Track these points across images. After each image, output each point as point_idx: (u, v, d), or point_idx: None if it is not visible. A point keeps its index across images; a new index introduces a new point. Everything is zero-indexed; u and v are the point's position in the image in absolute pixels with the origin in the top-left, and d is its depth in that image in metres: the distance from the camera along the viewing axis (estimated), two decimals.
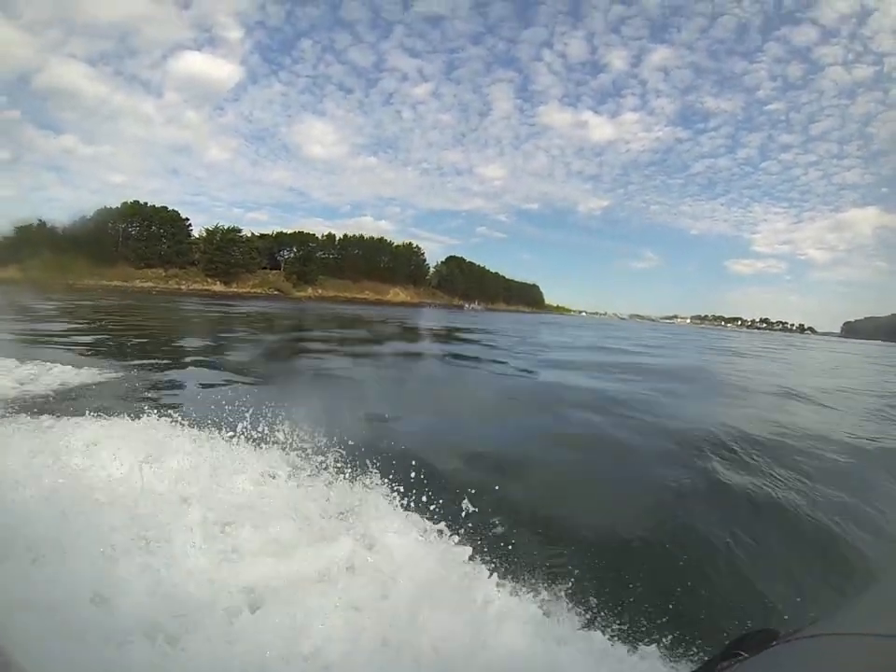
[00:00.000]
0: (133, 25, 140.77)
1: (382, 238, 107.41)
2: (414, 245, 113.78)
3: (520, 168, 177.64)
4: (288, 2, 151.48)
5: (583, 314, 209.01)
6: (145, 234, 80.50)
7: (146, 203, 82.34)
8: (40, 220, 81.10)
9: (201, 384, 8.48)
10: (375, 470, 4.02)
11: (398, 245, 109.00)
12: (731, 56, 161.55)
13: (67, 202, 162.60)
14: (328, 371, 11.39)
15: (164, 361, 10.61)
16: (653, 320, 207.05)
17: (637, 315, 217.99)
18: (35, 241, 77.75)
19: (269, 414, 4.82)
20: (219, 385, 8.47)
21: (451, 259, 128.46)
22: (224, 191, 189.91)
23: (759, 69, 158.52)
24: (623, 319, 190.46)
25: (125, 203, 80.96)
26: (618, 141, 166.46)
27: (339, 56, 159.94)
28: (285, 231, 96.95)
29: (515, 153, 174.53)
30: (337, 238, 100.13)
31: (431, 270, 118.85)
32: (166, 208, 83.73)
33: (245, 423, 4.61)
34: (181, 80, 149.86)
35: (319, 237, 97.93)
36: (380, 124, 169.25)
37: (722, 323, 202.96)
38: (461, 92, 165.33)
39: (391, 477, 3.91)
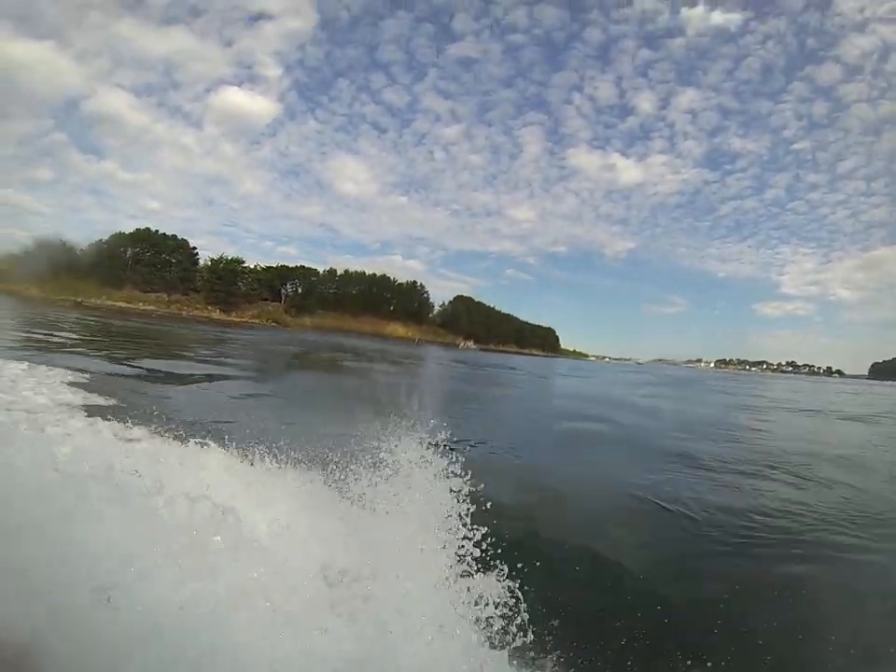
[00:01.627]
0: (178, 60, 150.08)
1: (384, 275, 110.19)
2: (418, 284, 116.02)
3: (549, 211, 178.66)
4: (327, 43, 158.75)
5: (607, 359, 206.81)
6: (152, 260, 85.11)
7: (156, 231, 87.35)
8: (61, 240, 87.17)
9: None
10: None
11: (400, 283, 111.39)
12: (757, 97, 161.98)
13: (103, 224, 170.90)
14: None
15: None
16: (676, 364, 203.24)
17: (662, 360, 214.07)
18: (54, 259, 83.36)
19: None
20: None
21: (458, 298, 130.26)
22: (256, 223, 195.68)
23: (784, 109, 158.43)
24: (641, 364, 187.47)
25: (137, 230, 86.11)
26: (646, 184, 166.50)
27: (374, 96, 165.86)
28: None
29: (545, 195, 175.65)
30: (338, 273, 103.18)
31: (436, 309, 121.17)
32: (175, 237, 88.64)
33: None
34: (221, 114, 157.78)
35: (321, 272, 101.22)
36: (412, 164, 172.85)
37: (747, 367, 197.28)
38: (492, 134, 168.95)
39: None
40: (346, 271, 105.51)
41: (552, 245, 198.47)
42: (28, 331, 20.87)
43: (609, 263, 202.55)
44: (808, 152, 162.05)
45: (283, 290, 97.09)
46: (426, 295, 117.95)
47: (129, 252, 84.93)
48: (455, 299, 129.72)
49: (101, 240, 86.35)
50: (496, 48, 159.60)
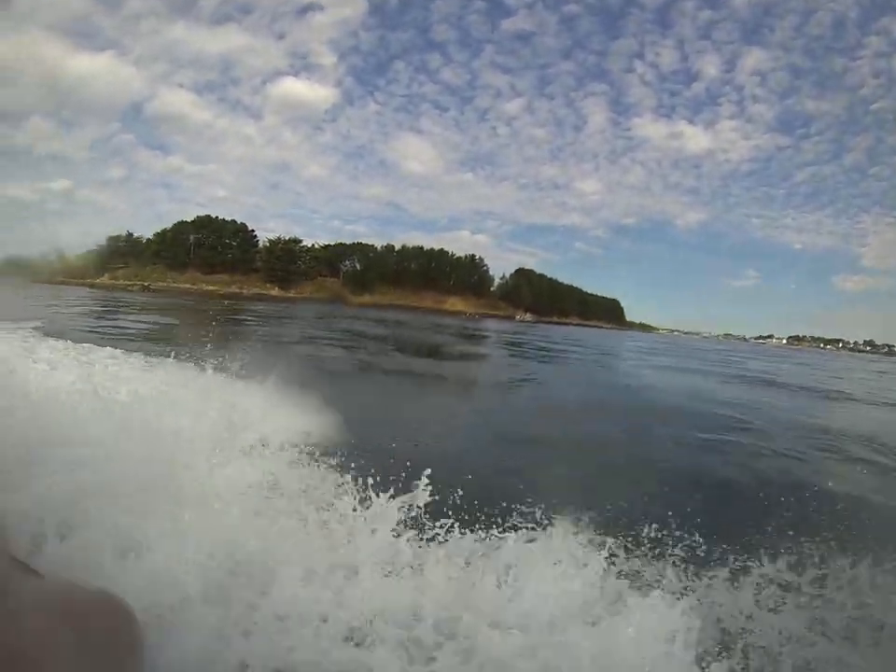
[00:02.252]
0: (234, 56, 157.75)
1: (442, 250, 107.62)
2: (477, 258, 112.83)
3: (616, 182, 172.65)
4: (379, 28, 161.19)
5: (676, 332, 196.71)
6: (213, 244, 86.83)
7: (216, 217, 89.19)
8: (129, 232, 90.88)
9: None
10: None
11: (459, 258, 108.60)
12: (829, 54, 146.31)
13: (175, 214, 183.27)
14: None
15: None
16: (746, 340, 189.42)
17: (730, 335, 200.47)
18: (122, 250, 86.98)
19: None
20: None
21: (519, 271, 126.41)
22: (323, 205, 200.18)
23: (861, 66, 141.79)
24: (706, 338, 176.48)
25: (198, 217, 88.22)
26: (715, 151, 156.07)
27: (432, 76, 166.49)
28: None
29: (612, 167, 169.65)
30: (397, 248, 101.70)
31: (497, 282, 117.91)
32: (235, 221, 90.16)
33: None
34: (280, 104, 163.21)
35: (379, 248, 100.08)
36: (475, 140, 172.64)
37: (821, 345, 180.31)
38: (555, 107, 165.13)
39: None
40: (404, 246, 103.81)
41: (621, 217, 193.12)
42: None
43: (680, 235, 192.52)
44: (889, 111, 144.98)
45: (341, 267, 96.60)
46: (485, 268, 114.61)
47: (191, 238, 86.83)
48: (516, 272, 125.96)
49: (165, 229, 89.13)
50: (551, 19, 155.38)
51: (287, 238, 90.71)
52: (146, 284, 79.79)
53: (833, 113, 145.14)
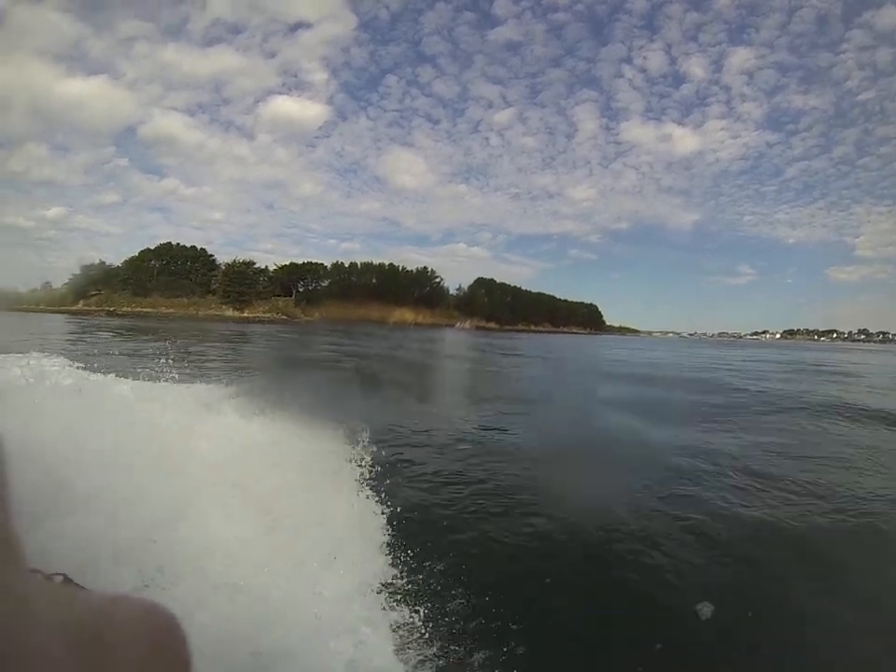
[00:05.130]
0: (224, 77, 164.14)
1: (392, 264, 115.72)
2: (429, 270, 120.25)
3: (609, 187, 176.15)
4: (370, 43, 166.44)
5: (671, 334, 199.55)
6: (174, 269, 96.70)
7: (177, 244, 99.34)
8: (101, 261, 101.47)
9: None
10: None
11: (408, 271, 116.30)
12: (814, 49, 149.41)
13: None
14: None
15: None
16: (741, 337, 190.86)
17: (725, 333, 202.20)
18: (94, 278, 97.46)
19: None
20: None
21: (478, 280, 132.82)
22: (317, 223, 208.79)
23: (846, 59, 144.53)
24: (689, 336, 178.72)
25: (160, 245, 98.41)
26: (705, 151, 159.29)
27: (423, 89, 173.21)
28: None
29: (604, 172, 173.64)
30: (346, 265, 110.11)
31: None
32: (195, 247, 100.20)
33: None
34: (272, 122, 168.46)
35: (328, 266, 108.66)
36: (468, 152, 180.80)
37: (815, 337, 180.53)
38: (546, 115, 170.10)
39: None
40: (353, 263, 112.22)
41: (614, 221, 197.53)
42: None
43: (673, 236, 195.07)
44: (875, 102, 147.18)
45: (294, 286, 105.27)
46: (437, 280, 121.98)
47: (154, 264, 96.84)
48: (474, 281, 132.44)
49: (133, 257, 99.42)
50: (539, 28, 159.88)
51: (241, 261, 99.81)
52: (111, 309, 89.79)
53: (820, 107, 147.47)
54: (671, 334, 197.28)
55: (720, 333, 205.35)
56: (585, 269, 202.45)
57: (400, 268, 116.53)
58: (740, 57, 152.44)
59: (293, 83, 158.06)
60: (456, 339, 51.38)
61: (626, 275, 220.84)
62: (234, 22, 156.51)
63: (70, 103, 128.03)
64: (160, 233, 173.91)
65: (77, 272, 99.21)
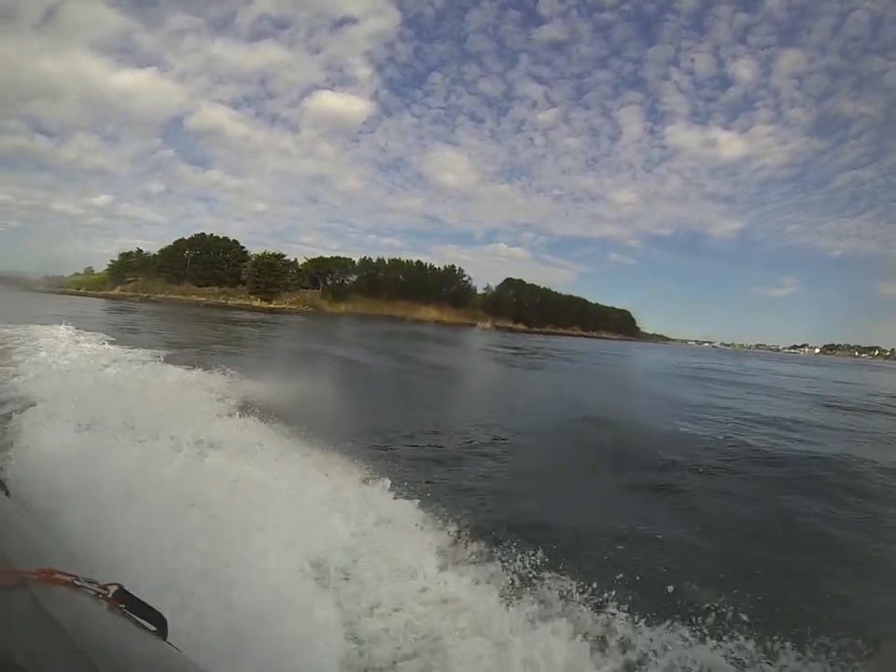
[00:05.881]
0: (270, 71, 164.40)
1: (419, 262, 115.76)
2: (457, 269, 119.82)
3: (652, 192, 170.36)
4: (416, 39, 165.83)
5: (706, 344, 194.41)
6: (206, 259, 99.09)
7: (211, 235, 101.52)
8: (138, 249, 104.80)
9: None
10: None
11: (436, 269, 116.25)
12: (867, 54, 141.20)
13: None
14: None
15: None
16: (778, 350, 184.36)
17: (762, 345, 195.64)
18: (133, 266, 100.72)
19: None
20: None
21: (507, 280, 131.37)
22: (359, 218, 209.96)
23: None
24: (725, 347, 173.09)
25: (194, 235, 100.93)
26: (751, 157, 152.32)
27: (468, 87, 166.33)
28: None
29: (648, 176, 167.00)
30: (374, 261, 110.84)
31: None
32: (227, 238, 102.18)
33: None
34: (316, 117, 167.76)
35: (356, 261, 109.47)
36: (512, 151, 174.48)
37: (856, 353, 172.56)
38: (591, 117, 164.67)
39: None
40: (380, 259, 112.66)
41: (656, 227, 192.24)
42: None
43: (716, 244, 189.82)
44: None
45: (322, 280, 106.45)
46: (465, 279, 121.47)
47: (187, 254, 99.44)
48: (503, 281, 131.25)
49: (168, 246, 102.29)
50: (584, 27, 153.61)
51: (270, 253, 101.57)
52: (145, 295, 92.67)
53: (871, 114, 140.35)
54: (706, 343, 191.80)
55: (757, 345, 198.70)
56: (624, 274, 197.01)
57: (427, 266, 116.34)
58: (790, 60, 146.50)
59: (338, 78, 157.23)
60: (466, 341, 49.89)
61: (665, 282, 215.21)
62: (280, 17, 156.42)
63: (120, 94, 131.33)
64: (204, 223, 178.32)
65: (117, 258, 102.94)
